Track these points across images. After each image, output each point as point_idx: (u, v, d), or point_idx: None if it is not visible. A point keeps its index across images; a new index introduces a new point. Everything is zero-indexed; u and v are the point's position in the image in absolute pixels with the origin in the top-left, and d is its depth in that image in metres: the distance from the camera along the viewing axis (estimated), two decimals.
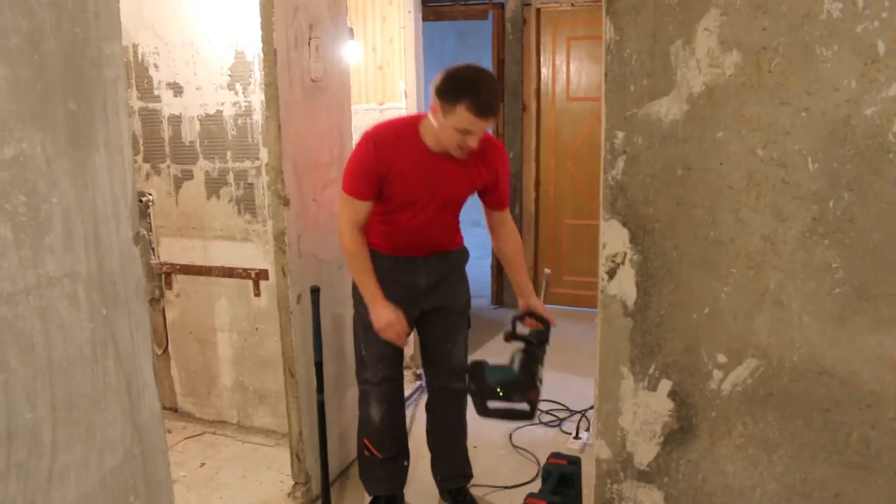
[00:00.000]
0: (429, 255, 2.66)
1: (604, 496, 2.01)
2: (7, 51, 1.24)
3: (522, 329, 2.62)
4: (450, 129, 2.31)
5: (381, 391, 2.74)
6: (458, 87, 2.28)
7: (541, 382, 2.55)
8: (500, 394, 2.49)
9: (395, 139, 2.46)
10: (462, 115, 2.26)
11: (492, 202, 2.65)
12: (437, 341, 2.79)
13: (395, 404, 2.82)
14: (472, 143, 2.33)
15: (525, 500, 2.34)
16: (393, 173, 2.45)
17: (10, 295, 1.28)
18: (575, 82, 5.44)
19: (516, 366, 2.52)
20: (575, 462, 2.54)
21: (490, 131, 2.59)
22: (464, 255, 2.80)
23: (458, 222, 2.74)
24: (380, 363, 2.71)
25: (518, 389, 2.50)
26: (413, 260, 2.65)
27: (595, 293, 1.95)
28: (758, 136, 1.64)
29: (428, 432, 2.95)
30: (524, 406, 2.52)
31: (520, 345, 2.57)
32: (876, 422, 1.69)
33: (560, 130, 5.55)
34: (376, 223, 2.61)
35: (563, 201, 5.61)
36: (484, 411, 2.51)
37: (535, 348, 2.56)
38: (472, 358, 2.67)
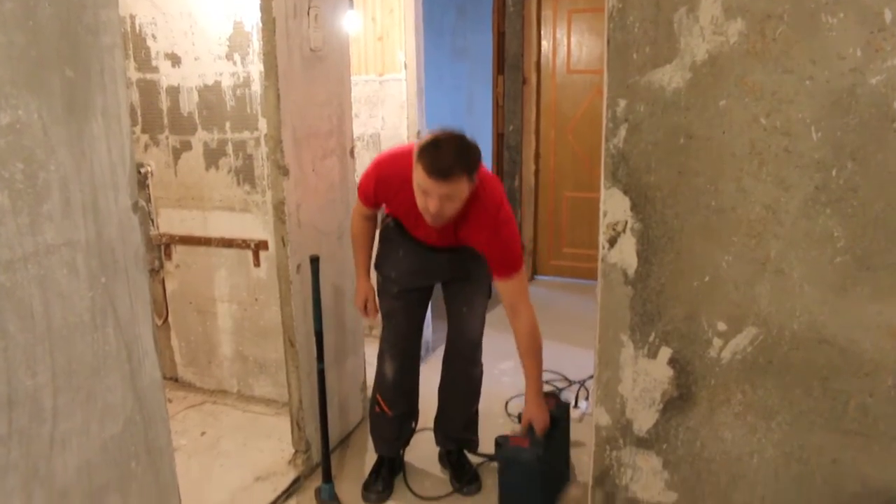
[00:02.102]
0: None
1: (603, 463, 2.02)
2: (1, 16, 1.23)
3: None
4: (416, 189, 2.33)
5: (396, 349, 2.80)
6: (423, 146, 2.27)
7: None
8: None
9: (397, 179, 2.49)
10: (420, 174, 2.26)
11: (492, 267, 2.54)
12: (455, 303, 2.83)
13: (408, 362, 2.86)
14: (432, 205, 2.27)
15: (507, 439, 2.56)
16: (390, 200, 2.59)
17: (9, 262, 1.28)
18: (576, 55, 5.40)
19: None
20: (560, 403, 2.73)
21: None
22: None
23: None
24: (394, 319, 2.78)
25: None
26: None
27: (594, 265, 1.95)
28: (761, 104, 1.63)
29: (440, 388, 3.00)
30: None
31: None
32: (874, 390, 1.70)
33: (560, 103, 5.51)
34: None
35: (562, 174, 5.59)
36: None
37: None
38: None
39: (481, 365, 2.94)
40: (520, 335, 2.54)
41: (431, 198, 2.26)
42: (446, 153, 2.23)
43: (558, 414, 2.71)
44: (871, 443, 1.73)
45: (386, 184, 2.54)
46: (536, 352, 2.56)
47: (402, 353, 2.82)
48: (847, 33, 1.53)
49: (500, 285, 2.52)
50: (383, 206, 2.66)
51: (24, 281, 1.31)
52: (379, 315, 2.86)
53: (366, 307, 2.84)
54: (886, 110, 1.53)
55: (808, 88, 1.59)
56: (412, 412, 2.96)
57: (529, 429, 2.59)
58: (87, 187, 1.45)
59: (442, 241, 2.59)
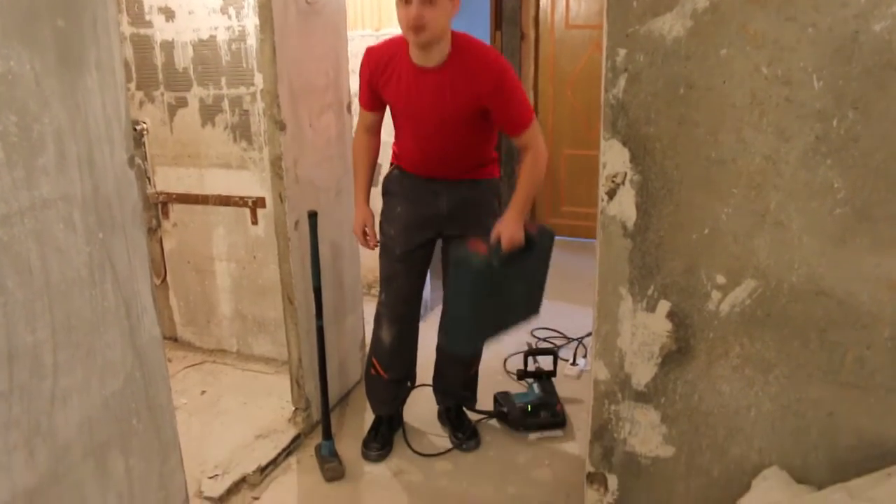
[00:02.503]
0: (454, 181, 2.63)
1: (601, 417, 2.04)
2: None
3: (531, 367, 3.30)
4: (397, 8, 2.31)
5: (394, 313, 2.77)
6: None
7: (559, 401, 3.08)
8: (530, 411, 3.00)
9: (387, 54, 2.50)
10: None
11: (502, 126, 2.51)
12: None
13: (407, 327, 2.83)
14: (413, 10, 2.23)
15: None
16: (384, 85, 2.51)
17: (5, 217, 1.27)
18: (574, 10, 5.33)
19: (537, 390, 3.15)
20: (545, 231, 2.53)
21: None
22: (495, 186, 2.74)
23: (485, 151, 2.67)
24: (394, 281, 2.74)
25: (545, 406, 3.03)
26: (437, 182, 2.64)
27: (593, 224, 1.94)
28: (762, 53, 1.61)
29: (437, 350, 2.98)
30: (555, 417, 3.01)
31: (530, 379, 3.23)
32: (871, 342, 1.70)
33: (559, 59, 5.46)
34: (398, 139, 2.67)
35: (561, 131, 5.55)
36: (523, 427, 2.99)
37: (545, 379, 3.16)
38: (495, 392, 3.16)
39: None
40: (526, 159, 2.49)
41: (411, 7, 2.24)
42: None
43: (539, 240, 2.47)
44: (868, 395, 1.73)
45: (377, 61, 2.51)
46: (534, 174, 2.48)
47: (400, 317, 2.79)
48: None
49: (515, 140, 2.48)
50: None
51: (20, 235, 1.30)
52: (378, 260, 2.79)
53: (365, 236, 2.70)
54: (890, 57, 1.51)
55: (811, 36, 1.56)
56: (409, 375, 2.96)
57: (495, 252, 2.36)
58: (83, 141, 1.43)
59: (441, 144, 2.53)
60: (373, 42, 3.92)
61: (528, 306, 2.58)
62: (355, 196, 2.72)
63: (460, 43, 2.39)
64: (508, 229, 2.36)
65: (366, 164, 2.71)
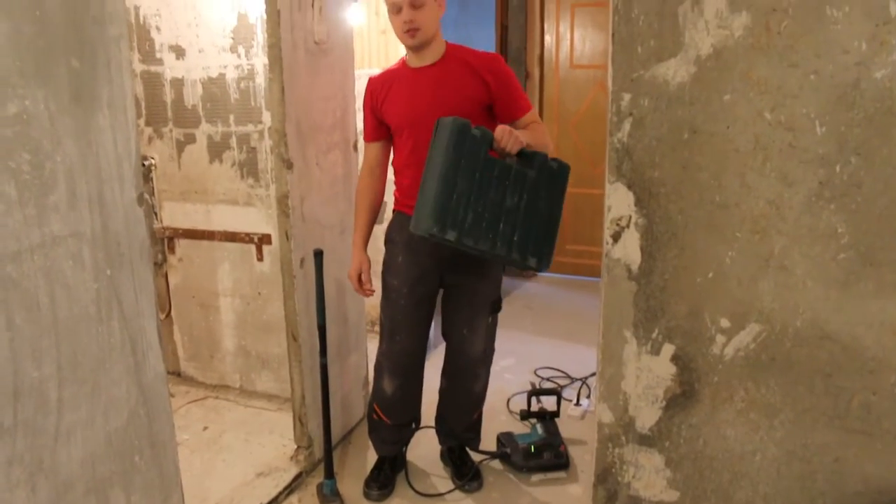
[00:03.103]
0: None
1: (605, 460, 2.02)
2: (8, 5, 1.23)
3: (534, 407, 3.24)
4: (390, 18, 2.46)
5: (397, 366, 2.73)
6: None
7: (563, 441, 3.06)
8: (534, 452, 2.98)
9: (386, 75, 2.60)
10: None
11: (507, 112, 2.49)
12: (454, 325, 2.75)
13: (411, 378, 2.80)
14: (405, 15, 2.39)
15: None
16: (384, 100, 2.56)
17: (16, 253, 1.28)
18: (579, 49, 5.39)
19: (540, 430, 3.11)
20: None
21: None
22: None
23: None
24: (397, 334, 2.69)
25: (549, 447, 3.01)
26: None
27: (597, 262, 1.94)
28: (765, 99, 1.63)
29: (440, 394, 2.96)
30: (558, 459, 3.00)
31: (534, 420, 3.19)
32: (877, 387, 1.69)
33: (563, 98, 5.51)
34: (399, 178, 2.65)
35: None
36: (526, 468, 2.97)
37: (548, 420, 3.13)
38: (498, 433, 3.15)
39: (485, 377, 2.88)
40: (536, 126, 2.52)
41: (402, 12, 2.39)
42: None
43: (545, 164, 2.27)
44: (874, 441, 1.72)
45: (379, 83, 2.59)
46: (541, 130, 2.51)
47: (404, 370, 2.75)
48: (852, 27, 1.53)
49: (517, 124, 2.50)
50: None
51: (30, 272, 1.31)
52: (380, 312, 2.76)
53: (360, 282, 2.66)
54: (891, 104, 1.53)
55: (813, 83, 1.58)
56: (413, 419, 2.93)
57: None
58: (93, 179, 1.45)
59: None
60: None
61: (532, 246, 2.28)
62: (354, 240, 2.71)
63: (452, 45, 2.54)
64: (506, 128, 2.24)
65: (367, 208, 2.70)
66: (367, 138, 2.67)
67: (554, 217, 2.35)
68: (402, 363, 2.73)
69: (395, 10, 2.42)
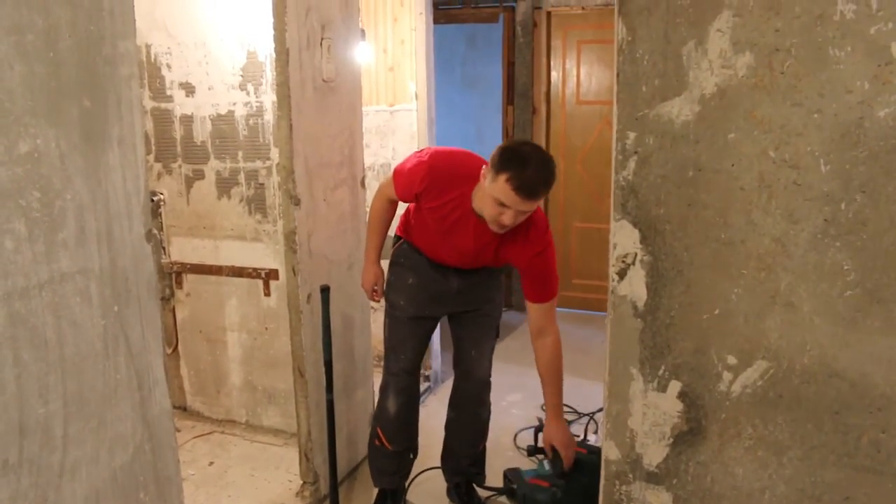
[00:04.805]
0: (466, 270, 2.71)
1: (612, 498, 2.00)
2: (23, 47, 1.25)
3: (541, 443, 3.05)
4: (489, 198, 2.28)
5: (401, 384, 2.79)
6: (507, 158, 2.23)
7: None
8: None
9: (449, 185, 2.47)
10: (501, 186, 2.21)
11: (527, 290, 2.54)
12: (464, 348, 2.84)
13: (411, 399, 2.86)
14: (507, 219, 2.26)
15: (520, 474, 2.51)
16: (431, 200, 2.50)
17: (24, 290, 1.29)
18: (585, 86, 5.44)
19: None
20: (594, 451, 2.56)
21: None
22: (501, 269, 2.81)
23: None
24: (401, 352, 2.76)
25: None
26: (448, 268, 2.70)
27: (604, 297, 1.94)
28: (770, 137, 1.64)
29: (446, 426, 2.98)
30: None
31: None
32: (887, 425, 1.68)
33: (570, 134, 5.55)
34: (417, 227, 2.69)
35: (572, 205, 5.61)
36: None
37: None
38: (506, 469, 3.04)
39: (489, 404, 2.94)
40: (543, 354, 2.54)
41: (508, 212, 2.25)
42: (536, 172, 2.21)
43: (588, 459, 2.56)
44: (885, 480, 1.70)
45: (438, 178, 2.46)
46: (558, 372, 2.57)
47: (406, 388, 2.81)
48: (855, 67, 1.54)
49: (531, 307, 2.51)
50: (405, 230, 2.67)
51: (38, 309, 1.32)
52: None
53: (373, 291, 2.83)
54: (895, 143, 1.54)
55: (817, 121, 1.59)
56: (411, 446, 2.95)
57: (553, 466, 2.51)
58: (102, 216, 1.46)
59: (464, 260, 2.59)
60: (387, 117, 4.01)
61: None
62: (367, 253, 2.80)
63: None
64: (559, 438, 2.51)
65: (381, 227, 2.78)
66: (400, 197, 2.64)
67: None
68: (404, 381, 2.80)
69: (498, 203, 2.27)
